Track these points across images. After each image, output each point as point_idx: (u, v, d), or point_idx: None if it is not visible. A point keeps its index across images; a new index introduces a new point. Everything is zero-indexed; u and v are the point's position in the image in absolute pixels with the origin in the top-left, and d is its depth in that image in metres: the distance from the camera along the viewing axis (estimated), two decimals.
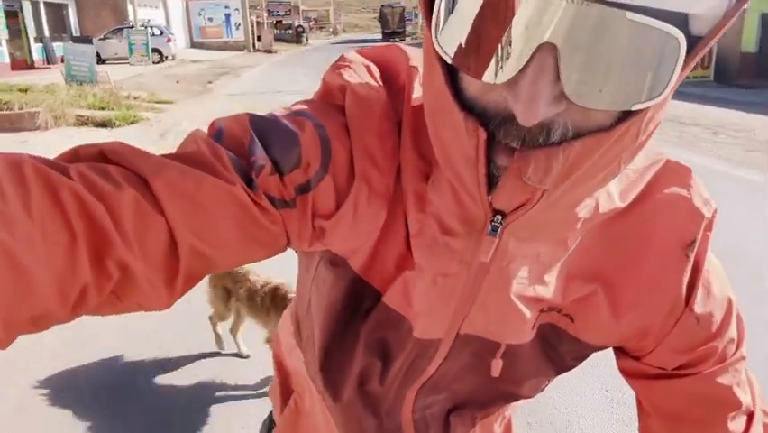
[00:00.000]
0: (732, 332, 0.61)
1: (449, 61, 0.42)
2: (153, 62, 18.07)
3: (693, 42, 0.40)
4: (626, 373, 0.67)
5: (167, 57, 19.57)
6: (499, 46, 0.38)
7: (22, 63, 16.10)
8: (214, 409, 2.30)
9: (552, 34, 0.36)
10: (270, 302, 2.30)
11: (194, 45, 28.46)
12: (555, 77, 0.38)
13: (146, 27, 18.30)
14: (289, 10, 41.66)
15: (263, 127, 0.52)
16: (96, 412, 2.28)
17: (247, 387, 2.45)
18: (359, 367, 0.67)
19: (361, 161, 0.53)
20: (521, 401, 0.74)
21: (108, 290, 0.44)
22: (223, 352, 2.66)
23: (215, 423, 2.23)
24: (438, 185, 0.53)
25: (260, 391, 2.42)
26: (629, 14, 0.36)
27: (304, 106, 0.56)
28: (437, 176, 0.53)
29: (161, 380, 2.49)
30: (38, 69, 15.94)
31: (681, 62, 0.38)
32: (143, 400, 2.35)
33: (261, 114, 0.55)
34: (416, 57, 0.57)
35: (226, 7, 28.89)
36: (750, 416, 0.64)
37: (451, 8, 0.40)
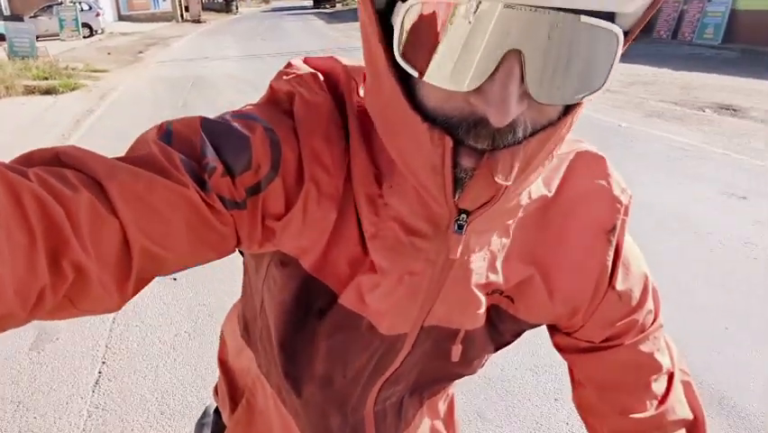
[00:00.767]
0: (649, 304, 0.68)
1: (416, 75, 0.43)
2: (84, 37, 18.84)
3: (624, 35, 0.44)
4: (559, 348, 0.74)
5: (96, 31, 20.31)
6: (468, 56, 0.41)
7: None
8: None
9: (518, 41, 0.40)
10: None
11: (122, 18, 28.73)
12: (520, 79, 0.41)
13: (75, 3, 19.03)
14: None
15: (214, 130, 0.53)
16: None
17: None
18: (322, 366, 0.69)
19: (309, 164, 0.55)
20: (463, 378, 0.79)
21: (62, 291, 0.44)
22: None
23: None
24: (398, 189, 0.55)
25: None
26: (583, 18, 0.40)
27: (253, 110, 0.57)
28: (395, 180, 0.55)
29: None
30: None
31: (618, 54, 0.43)
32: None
33: (211, 117, 0.56)
34: (353, 69, 0.61)
35: None
36: (671, 376, 0.71)
37: (414, 27, 0.42)
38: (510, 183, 0.47)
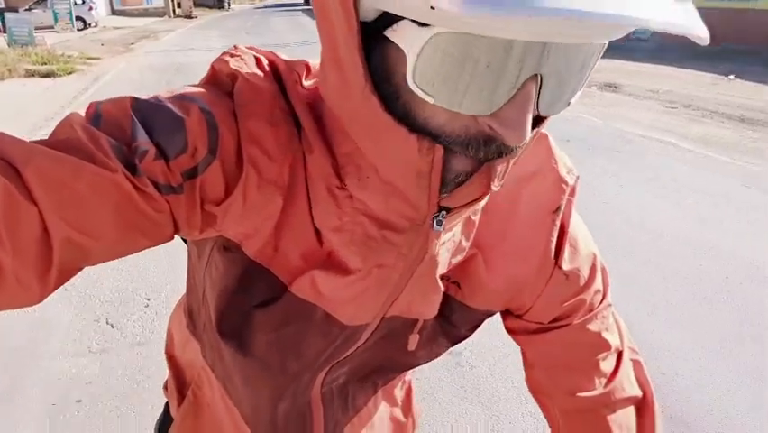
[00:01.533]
0: (598, 284, 0.68)
1: (430, 101, 0.42)
2: (78, 29, 19.80)
3: None
4: (510, 331, 0.74)
5: (90, 24, 21.23)
6: (490, 83, 0.40)
7: None
8: None
9: (539, 67, 0.39)
10: None
11: (115, 13, 29.63)
12: (536, 100, 0.41)
13: None
14: None
15: (146, 111, 0.50)
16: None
17: None
18: (274, 356, 0.67)
19: (248, 147, 0.52)
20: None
21: None
22: None
23: None
24: (368, 184, 0.53)
25: None
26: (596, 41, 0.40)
27: (190, 91, 0.54)
28: (363, 174, 0.52)
29: None
30: None
31: (598, 59, 0.43)
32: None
33: (143, 97, 0.52)
34: (291, 62, 0.59)
35: None
36: (619, 355, 0.72)
37: (433, 54, 0.40)
38: (499, 187, 0.49)
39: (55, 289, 0.48)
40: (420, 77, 0.42)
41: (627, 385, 0.72)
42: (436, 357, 0.75)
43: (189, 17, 29.12)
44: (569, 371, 0.72)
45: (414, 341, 0.68)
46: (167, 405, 1.00)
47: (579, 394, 0.70)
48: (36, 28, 19.56)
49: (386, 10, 0.42)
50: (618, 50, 12.31)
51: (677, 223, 3.98)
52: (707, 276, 3.27)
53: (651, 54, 12.18)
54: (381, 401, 0.87)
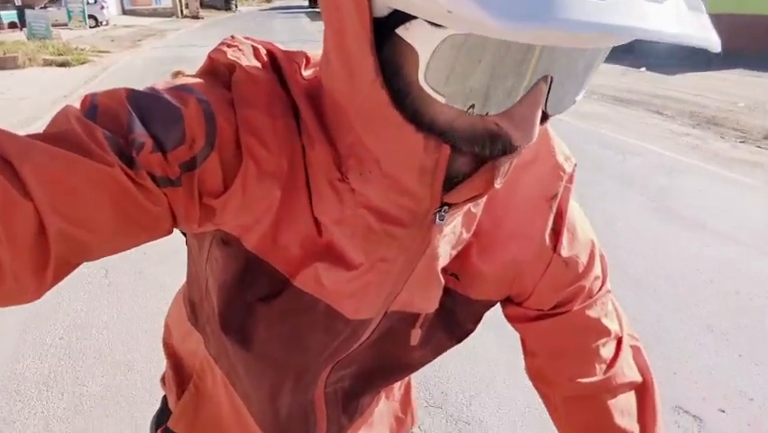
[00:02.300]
0: (597, 270, 0.68)
1: (442, 101, 0.43)
2: (90, 27, 21.21)
3: None
4: (510, 319, 0.74)
5: (101, 22, 22.68)
6: (501, 84, 0.40)
7: None
8: None
9: (551, 68, 0.40)
10: None
11: (125, 12, 31.11)
12: (545, 100, 0.42)
13: None
14: None
15: (142, 103, 0.49)
16: None
17: None
18: (277, 349, 0.67)
19: (247, 138, 0.52)
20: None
21: None
22: None
23: None
24: (370, 177, 0.52)
25: None
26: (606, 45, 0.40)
27: (187, 82, 0.53)
28: (366, 168, 0.52)
29: None
30: None
31: (605, 56, 0.43)
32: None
33: (140, 88, 0.51)
34: (290, 53, 0.58)
35: None
36: (619, 341, 0.72)
37: (447, 54, 0.40)
38: (501, 184, 0.49)
39: (54, 284, 0.47)
40: (432, 76, 0.42)
41: (628, 370, 0.71)
42: (439, 355, 0.75)
43: (196, 17, 30.53)
44: (570, 357, 0.71)
45: (416, 336, 0.67)
46: (164, 398, 0.97)
47: (580, 380, 0.70)
48: (51, 25, 21.14)
49: (399, 9, 0.41)
50: None
51: None
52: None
53: None
54: (382, 398, 0.86)
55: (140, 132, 0.48)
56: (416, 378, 0.96)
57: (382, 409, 0.88)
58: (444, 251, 0.60)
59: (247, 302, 0.63)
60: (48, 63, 11.25)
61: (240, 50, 0.57)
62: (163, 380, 0.95)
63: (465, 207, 0.55)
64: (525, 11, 0.33)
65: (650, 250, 3.65)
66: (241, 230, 0.57)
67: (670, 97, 8.66)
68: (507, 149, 0.46)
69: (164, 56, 12.88)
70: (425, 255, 0.58)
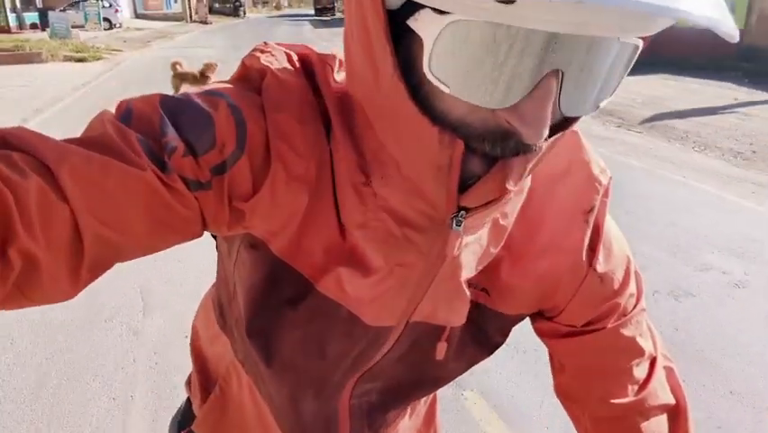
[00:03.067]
0: (632, 287, 0.67)
1: (446, 90, 0.42)
2: (104, 29, 22.82)
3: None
4: (540, 334, 0.72)
5: (115, 25, 24.33)
6: (507, 75, 0.39)
7: (1, 29, 20.69)
8: None
9: (560, 62, 0.39)
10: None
11: (138, 16, 32.79)
12: (557, 98, 0.41)
13: (98, 0, 23.02)
14: None
15: (175, 107, 0.51)
16: None
17: None
18: (299, 353, 0.67)
19: (276, 143, 0.53)
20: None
21: (11, 281, 0.43)
22: None
23: None
24: (390, 181, 0.52)
25: None
26: (621, 37, 0.39)
27: (219, 87, 0.55)
28: (386, 171, 0.52)
29: None
30: (13, 33, 20.49)
31: (633, 62, 0.42)
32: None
33: (172, 94, 0.53)
34: (324, 55, 0.59)
35: None
36: (653, 361, 0.70)
37: (450, 42, 0.40)
38: (518, 187, 0.48)
39: (88, 284, 0.48)
40: (436, 65, 0.42)
41: (661, 392, 0.69)
42: (469, 369, 0.74)
43: (204, 23, 32.10)
44: (601, 376, 0.69)
45: (441, 349, 0.66)
46: (187, 401, 0.96)
47: (612, 401, 0.68)
48: (71, 26, 22.85)
49: None
50: None
51: None
52: None
53: None
54: (406, 414, 0.84)
55: (172, 136, 0.49)
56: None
57: (406, 423, 0.85)
58: (468, 262, 0.58)
59: (272, 306, 0.63)
60: (67, 59, 12.81)
61: (273, 55, 0.57)
62: (188, 383, 0.94)
63: (487, 216, 0.54)
64: None
65: None
66: (268, 234, 0.57)
67: None
68: (521, 149, 0.45)
69: (170, 55, 14.26)
70: (445, 263, 0.56)
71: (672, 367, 0.73)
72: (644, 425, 0.68)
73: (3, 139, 0.46)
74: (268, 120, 0.53)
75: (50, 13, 16.39)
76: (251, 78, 0.58)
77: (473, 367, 0.75)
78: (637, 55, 0.43)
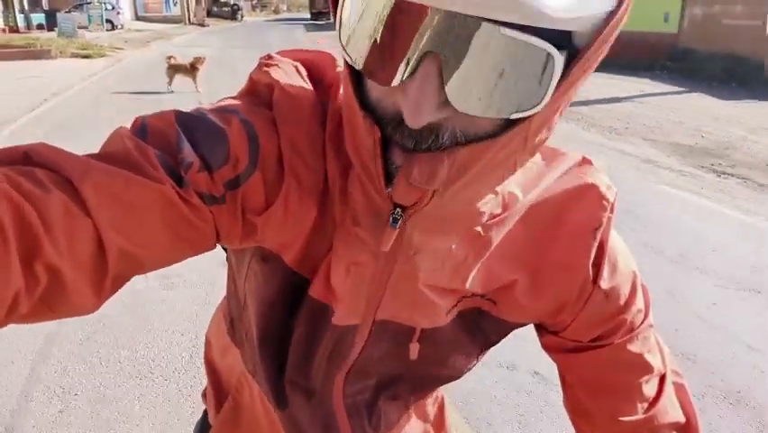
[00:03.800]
0: (639, 303, 0.66)
1: (351, 64, 0.44)
2: (107, 30, 24.36)
3: (574, 56, 0.42)
4: (547, 348, 0.72)
5: (117, 26, 25.86)
6: (393, 53, 0.41)
7: (10, 29, 22.25)
8: None
9: (434, 44, 0.39)
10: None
11: (138, 18, 34.22)
12: (440, 83, 0.41)
13: (101, 3, 24.63)
14: None
15: (189, 124, 0.52)
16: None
17: None
18: (296, 362, 0.68)
19: (289, 157, 0.54)
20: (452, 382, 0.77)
21: (37, 295, 0.43)
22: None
23: None
24: (353, 178, 0.55)
25: None
26: (503, 29, 0.38)
27: (230, 103, 0.57)
28: (353, 170, 0.55)
29: None
30: (21, 33, 22.01)
31: (556, 75, 0.41)
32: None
33: (187, 110, 0.55)
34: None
35: None
36: (662, 378, 0.69)
37: (352, 13, 0.42)
38: (433, 188, 0.47)
39: (110, 296, 0.49)
40: (343, 36, 0.44)
41: (671, 410, 0.69)
42: (467, 370, 0.73)
43: (202, 25, 33.48)
44: (610, 393, 0.69)
45: (414, 350, 0.66)
46: (204, 412, 0.99)
47: (621, 418, 0.67)
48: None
49: None
50: None
51: None
52: None
53: None
54: (413, 417, 0.82)
55: (188, 151, 0.50)
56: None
57: (414, 428, 0.83)
58: (433, 267, 0.58)
59: (284, 318, 0.65)
60: (74, 56, 14.32)
61: (279, 67, 0.59)
62: (204, 395, 0.96)
63: (435, 222, 0.54)
64: None
65: None
66: (281, 246, 0.58)
67: None
68: (419, 141, 0.45)
69: (166, 53, 15.90)
70: (398, 264, 0.57)
71: (682, 383, 0.72)
72: None
73: (25, 155, 0.47)
74: (280, 134, 0.55)
75: (58, 15, 18.11)
76: (259, 92, 0.59)
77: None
78: (557, 66, 0.41)
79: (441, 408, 0.87)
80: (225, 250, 0.73)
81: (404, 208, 0.51)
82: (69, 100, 8.87)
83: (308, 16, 43.92)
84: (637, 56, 13.36)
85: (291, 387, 0.71)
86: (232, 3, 44.33)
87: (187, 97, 8.81)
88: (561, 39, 0.41)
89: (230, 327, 0.83)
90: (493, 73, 0.40)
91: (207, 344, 0.95)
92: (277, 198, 0.55)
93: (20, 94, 8.85)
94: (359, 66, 0.44)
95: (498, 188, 0.54)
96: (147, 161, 0.49)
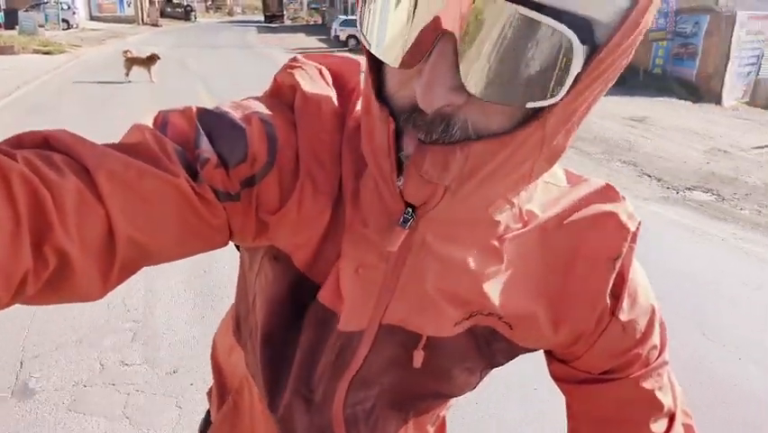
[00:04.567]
0: (655, 339, 0.64)
1: (369, 49, 0.44)
2: (63, 29, 25.53)
3: (595, 48, 0.41)
4: (555, 377, 0.70)
5: (72, 25, 27.01)
6: (408, 35, 0.41)
7: None
8: None
9: (450, 23, 0.39)
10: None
11: (93, 18, 34.76)
12: (455, 66, 0.40)
13: (57, 2, 25.81)
14: None
15: (210, 121, 0.53)
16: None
17: None
18: (298, 368, 0.67)
19: (306, 159, 0.54)
20: (452, 400, 0.76)
21: (44, 278, 0.44)
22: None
23: None
24: (365, 179, 0.55)
25: None
26: (521, 9, 0.37)
27: (252, 102, 0.57)
28: (366, 171, 0.55)
29: None
30: None
31: (577, 64, 0.40)
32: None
33: (209, 107, 0.55)
34: None
35: None
36: (672, 417, 0.67)
37: (369, 2, 0.43)
38: (446, 183, 0.47)
39: (117, 285, 0.49)
40: (361, 22, 0.44)
41: None
42: (469, 388, 0.72)
43: (155, 25, 34.65)
44: (618, 429, 0.67)
45: (418, 358, 0.64)
46: (209, 410, 0.99)
47: None
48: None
49: None
50: None
51: None
52: None
53: None
54: (408, 426, 0.79)
55: (206, 148, 0.51)
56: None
57: None
58: (440, 273, 0.57)
59: (290, 319, 0.64)
60: (36, 51, 15.83)
61: (304, 70, 0.59)
62: (209, 393, 0.97)
63: (447, 225, 0.54)
64: None
65: None
66: (293, 247, 0.59)
67: None
68: (431, 130, 0.44)
69: (121, 50, 17.52)
70: (406, 266, 0.56)
71: (691, 425, 0.69)
72: None
73: (45, 140, 0.47)
74: (299, 137, 0.55)
75: (20, 13, 19.57)
76: (283, 94, 0.60)
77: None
78: (575, 56, 0.39)
79: (441, 427, 0.86)
80: (238, 248, 0.73)
81: (415, 209, 0.51)
82: (39, 88, 10.54)
83: (262, 19, 44.72)
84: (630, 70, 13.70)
85: (292, 394, 0.69)
86: (185, 4, 45.37)
87: (143, 86, 10.55)
88: (582, 29, 0.39)
89: (236, 328, 0.82)
90: (509, 57, 0.39)
91: (214, 345, 0.94)
92: (291, 198, 0.55)
93: None
94: (375, 50, 0.44)
95: (515, 201, 0.55)
96: (164, 153, 0.49)
